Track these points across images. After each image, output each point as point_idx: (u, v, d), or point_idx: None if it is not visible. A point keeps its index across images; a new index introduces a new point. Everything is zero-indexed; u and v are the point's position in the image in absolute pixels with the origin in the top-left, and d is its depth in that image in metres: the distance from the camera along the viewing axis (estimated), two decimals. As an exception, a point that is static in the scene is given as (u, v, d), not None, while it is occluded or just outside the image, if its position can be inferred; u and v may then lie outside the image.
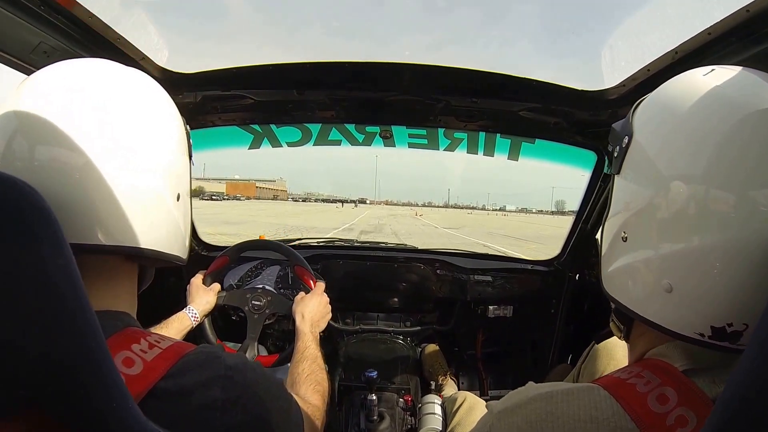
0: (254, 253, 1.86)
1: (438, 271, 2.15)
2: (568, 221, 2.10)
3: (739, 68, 0.54)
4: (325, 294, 1.30)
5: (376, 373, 1.54)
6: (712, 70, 0.55)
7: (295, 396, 0.76)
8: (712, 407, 0.46)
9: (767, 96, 0.48)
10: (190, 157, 0.75)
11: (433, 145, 1.90)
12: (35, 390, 0.35)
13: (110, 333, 0.55)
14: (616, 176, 0.61)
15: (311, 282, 1.37)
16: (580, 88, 1.37)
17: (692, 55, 0.99)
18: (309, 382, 0.95)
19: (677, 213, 0.50)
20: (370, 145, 1.88)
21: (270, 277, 1.86)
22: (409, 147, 1.92)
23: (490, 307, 2.15)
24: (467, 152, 1.93)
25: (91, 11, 1.00)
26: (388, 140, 1.84)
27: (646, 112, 0.59)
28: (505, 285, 2.14)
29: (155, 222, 0.63)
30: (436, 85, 1.42)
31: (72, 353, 0.35)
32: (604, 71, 1.30)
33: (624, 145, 0.59)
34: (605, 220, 0.64)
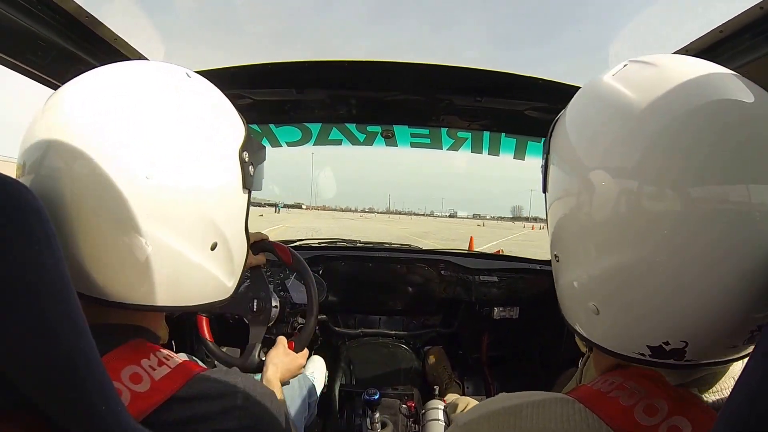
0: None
1: (442, 272, 2.12)
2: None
3: (654, 59, 0.50)
4: (304, 358, 1.15)
5: (378, 395, 1.48)
6: (624, 65, 0.51)
7: None
8: (709, 414, 0.44)
9: (665, 95, 0.44)
10: (251, 187, 0.64)
11: (436, 144, 1.88)
12: (23, 390, 0.35)
13: (119, 343, 0.54)
14: (546, 195, 0.58)
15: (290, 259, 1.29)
16: (586, 87, 1.34)
17: (703, 53, 0.96)
18: None
19: (590, 234, 0.47)
20: (371, 145, 1.87)
21: (270, 277, 1.84)
22: (411, 146, 1.91)
23: (496, 309, 2.11)
24: (471, 151, 1.91)
25: (87, 11, 0.99)
26: (389, 140, 1.82)
27: (557, 125, 0.57)
28: (512, 286, 2.10)
29: (179, 282, 0.57)
30: (439, 84, 1.40)
31: (61, 355, 0.35)
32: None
33: (544, 162, 0.57)
34: None
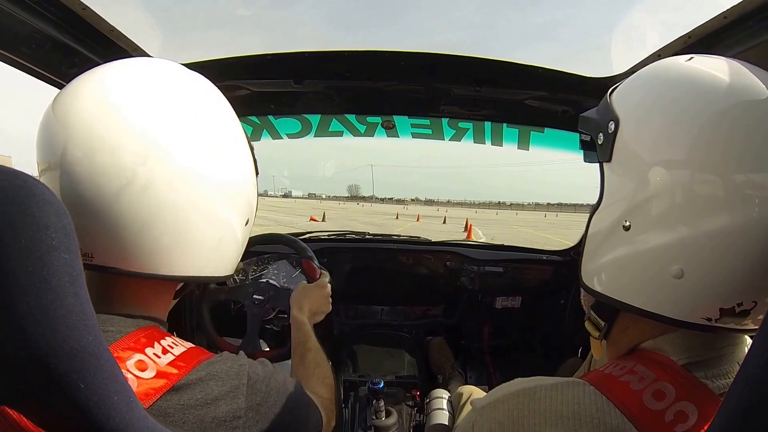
0: (263, 247, 1.83)
1: (447, 263, 2.12)
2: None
3: (718, 57, 0.53)
4: (328, 286, 1.23)
5: (383, 383, 1.50)
6: (691, 57, 0.54)
7: (314, 397, 0.78)
8: (714, 399, 0.46)
9: (754, 81, 0.49)
10: (257, 172, 0.72)
11: (437, 134, 1.86)
12: (32, 382, 0.35)
13: (125, 333, 0.56)
14: (605, 164, 0.58)
15: (317, 275, 1.33)
16: (587, 75, 1.33)
17: (706, 39, 0.94)
18: (317, 377, 0.93)
19: (690, 197, 0.48)
20: (372, 136, 1.86)
21: (276, 271, 1.84)
22: (413, 137, 1.89)
23: (498, 299, 2.12)
24: (474, 142, 1.89)
25: (84, 3, 0.98)
26: (390, 130, 1.81)
27: (632, 97, 0.57)
28: (516, 276, 2.10)
29: (220, 252, 0.64)
30: (438, 73, 1.38)
31: (72, 348, 0.36)
32: (613, 57, 1.26)
33: (611, 131, 0.56)
34: (594, 212, 0.61)
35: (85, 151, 0.53)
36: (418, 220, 28.46)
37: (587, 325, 0.66)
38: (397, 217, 30.92)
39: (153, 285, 0.62)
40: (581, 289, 0.69)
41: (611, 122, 0.56)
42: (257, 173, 0.72)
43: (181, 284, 0.69)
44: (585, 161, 0.66)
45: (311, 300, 1.15)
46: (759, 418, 0.34)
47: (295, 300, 1.15)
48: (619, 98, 0.58)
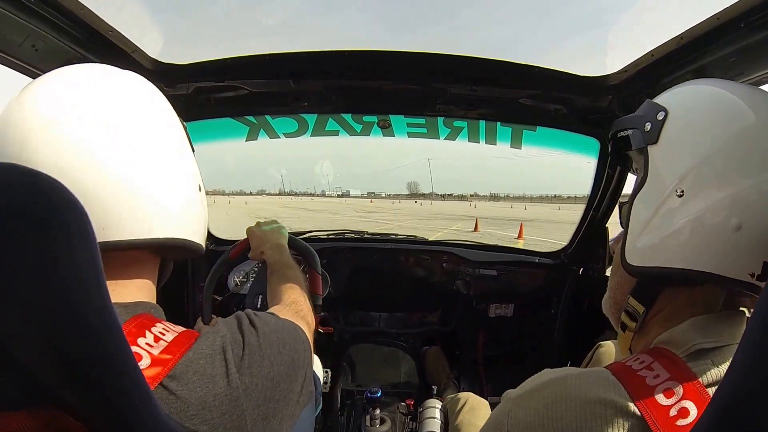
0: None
1: (444, 265, 2.13)
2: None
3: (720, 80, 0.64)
4: (259, 225, 1.31)
5: (380, 393, 1.53)
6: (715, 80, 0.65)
7: (280, 306, 0.88)
8: (706, 394, 0.51)
9: None
10: (193, 150, 0.77)
11: (433, 134, 1.87)
12: (53, 385, 0.35)
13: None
14: (650, 147, 0.65)
15: (319, 290, 1.34)
16: (581, 74, 1.34)
17: (698, 40, 0.96)
18: (282, 289, 1.01)
19: (744, 156, 0.55)
20: (368, 135, 1.86)
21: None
22: (408, 136, 1.90)
23: (491, 306, 2.12)
24: (468, 141, 1.90)
25: (82, 3, 0.98)
26: (386, 130, 1.82)
27: (678, 91, 0.67)
28: (509, 280, 2.11)
29: (183, 213, 0.66)
30: (434, 73, 1.40)
31: (93, 350, 0.35)
32: (607, 57, 1.28)
33: (660, 118, 0.64)
34: (637, 192, 0.65)
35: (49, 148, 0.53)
36: (520, 236, 14.81)
37: (623, 317, 0.69)
38: (476, 229, 17.48)
39: (131, 260, 0.62)
40: (609, 289, 0.74)
41: (660, 112, 0.64)
42: (192, 149, 0.76)
43: (160, 265, 0.71)
44: (626, 151, 0.73)
45: (258, 244, 1.25)
46: (742, 412, 0.36)
47: (256, 254, 1.25)
48: (663, 97, 0.67)
